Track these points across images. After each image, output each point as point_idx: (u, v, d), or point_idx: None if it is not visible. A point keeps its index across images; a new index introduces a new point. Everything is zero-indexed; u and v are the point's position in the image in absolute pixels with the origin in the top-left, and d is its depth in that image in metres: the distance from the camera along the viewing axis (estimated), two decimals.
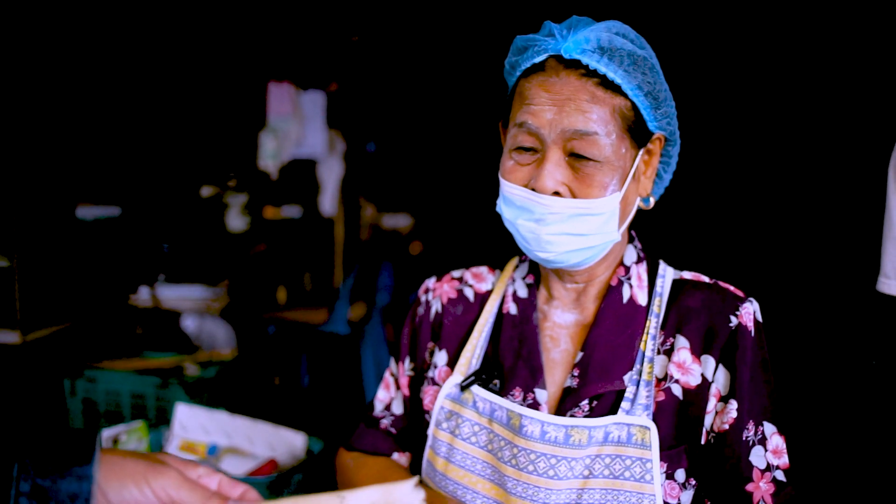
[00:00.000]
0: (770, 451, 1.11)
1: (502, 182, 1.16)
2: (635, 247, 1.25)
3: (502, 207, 1.17)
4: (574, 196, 1.10)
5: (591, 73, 1.08)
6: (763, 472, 1.10)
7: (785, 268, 2.41)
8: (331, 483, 1.56)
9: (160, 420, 2.51)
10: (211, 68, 4.66)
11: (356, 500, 0.78)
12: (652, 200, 1.22)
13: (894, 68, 2.19)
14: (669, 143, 1.22)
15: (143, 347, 3.26)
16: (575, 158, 1.09)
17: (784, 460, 1.11)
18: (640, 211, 1.23)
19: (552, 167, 1.09)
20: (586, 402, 1.14)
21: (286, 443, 2.01)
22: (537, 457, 1.12)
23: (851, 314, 2.13)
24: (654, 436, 1.10)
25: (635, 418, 1.11)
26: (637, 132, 1.13)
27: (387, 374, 1.42)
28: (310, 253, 4.74)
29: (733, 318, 1.14)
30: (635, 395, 1.14)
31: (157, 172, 4.46)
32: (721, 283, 1.20)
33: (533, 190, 1.11)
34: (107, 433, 1.87)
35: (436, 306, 1.36)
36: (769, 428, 1.12)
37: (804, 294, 2.36)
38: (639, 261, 1.24)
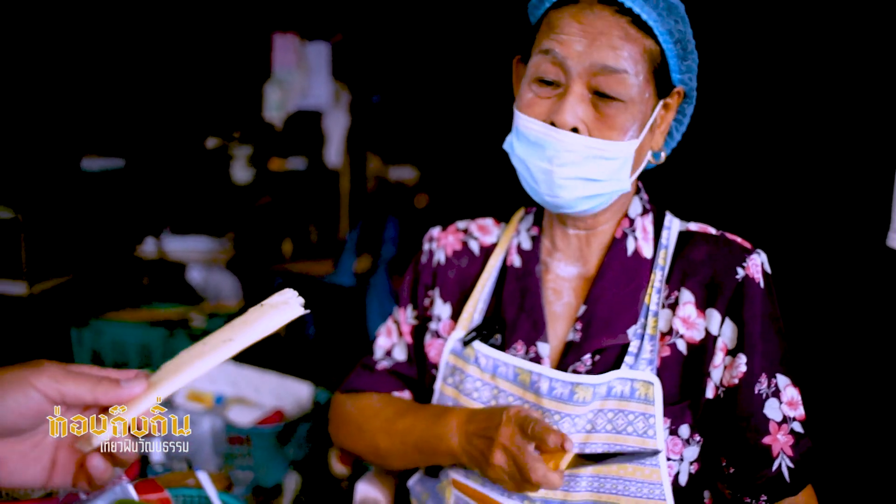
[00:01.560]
0: (785, 403, 1.08)
1: (518, 115, 1.12)
2: (641, 199, 1.22)
3: (514, 144, 1.13)
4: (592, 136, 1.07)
5: (624, 11, 1.05)
6: (780, 424, 1.07)
7: (795, 222, 2.39)
8: None
9: None
10: (216, 19, 4.60)
11: (246, 319, 0.77)
12: (663, 156, 1.19)
13: None
14: (686, 101, 1.19)
15: (150, 298, 3.27)
16: (599, 97, 1.06)
17: (800, 412, 1.09)
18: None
19: (574, 101, 1.06)
20: (588, 356, 1.13)
21: (292, 393, 2.03)
22: (542, 413, 1.11)
23: (861, 269, 2.12)
24: (657, 391, 1.09)
25: (639, 373, 1.10)
26: (661, 80, 1.11)
27: (389, 321, 1.39)
28: (315, 205, 4.72)
29: (740, 270, 1.11)
30: (639, 349, 1.12)
31: (162, 124, 4.44)
32: (728, 235, 1.17)
33: (551, 125, 1.07)
34: None
35: (438, 256, 1.34)
36: (783, 380, 1.09)
37: (814, 249, 2.34)
38: (644, 213, 1.21)
